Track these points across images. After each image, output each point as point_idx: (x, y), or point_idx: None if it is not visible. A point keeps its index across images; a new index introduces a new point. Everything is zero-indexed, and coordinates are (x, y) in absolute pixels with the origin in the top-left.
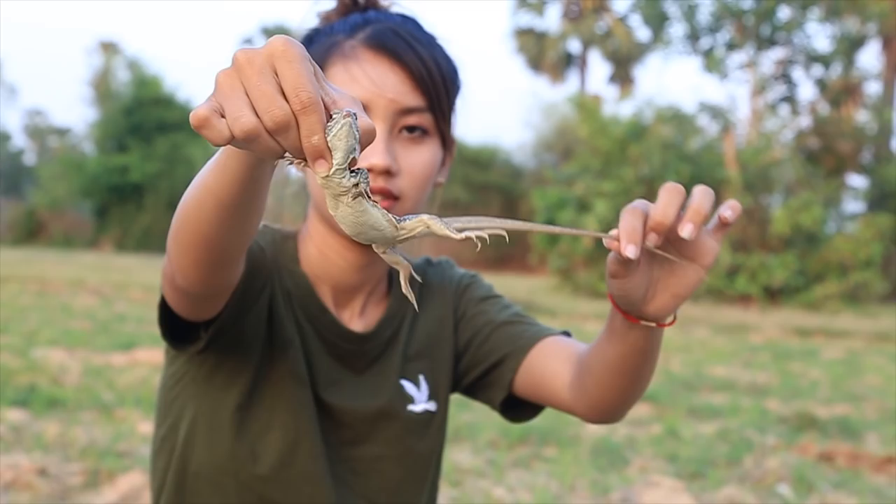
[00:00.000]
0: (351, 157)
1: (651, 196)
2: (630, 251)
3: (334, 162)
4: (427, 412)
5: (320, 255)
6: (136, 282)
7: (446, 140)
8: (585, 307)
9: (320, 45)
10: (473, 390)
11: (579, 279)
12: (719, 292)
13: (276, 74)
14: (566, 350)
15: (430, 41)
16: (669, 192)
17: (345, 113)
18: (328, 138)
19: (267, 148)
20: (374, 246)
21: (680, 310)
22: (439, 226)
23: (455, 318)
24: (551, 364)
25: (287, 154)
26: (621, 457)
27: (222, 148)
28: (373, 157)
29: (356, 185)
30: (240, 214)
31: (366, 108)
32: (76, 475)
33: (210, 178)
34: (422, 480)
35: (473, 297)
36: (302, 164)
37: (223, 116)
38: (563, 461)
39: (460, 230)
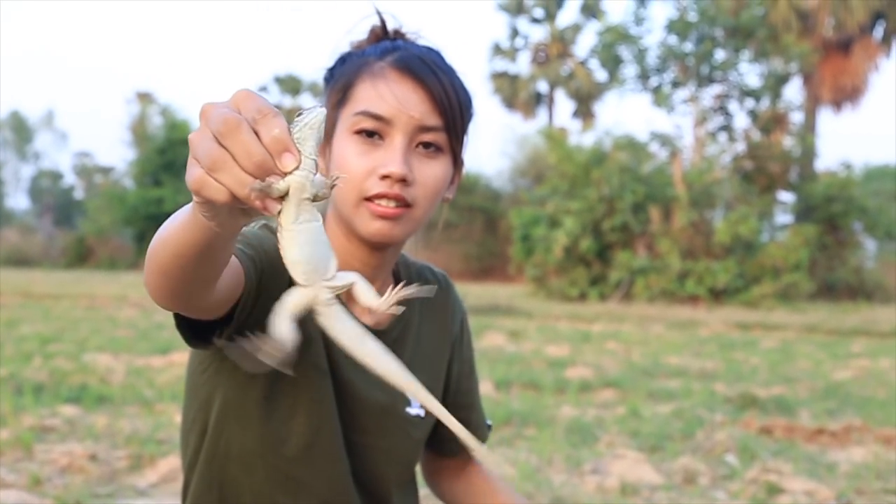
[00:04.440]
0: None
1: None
2: None
3: (305, 152)
4: (418, 417)
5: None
6: None
7: (457, 160)
8: (557, 309)
9: (352, 63)
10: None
11: (552, 285)
12: (672, 294)
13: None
14: (474, 486)
15: (450, 71)
16: None
17: (320, 107)
18: (295, 130)
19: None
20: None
21: (639, 310)
22: (365, 290)
23: (451, 351)
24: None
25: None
26: (591, 434)
27: (188, 209)
28: (391, 165)
29: (333, 186)
30: (203, 268)
31: (389, 122)
32: (122, 459)
33: (172, 240)
34: (399, 471)
35: (465, 351)
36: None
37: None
38: (542, 439)
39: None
